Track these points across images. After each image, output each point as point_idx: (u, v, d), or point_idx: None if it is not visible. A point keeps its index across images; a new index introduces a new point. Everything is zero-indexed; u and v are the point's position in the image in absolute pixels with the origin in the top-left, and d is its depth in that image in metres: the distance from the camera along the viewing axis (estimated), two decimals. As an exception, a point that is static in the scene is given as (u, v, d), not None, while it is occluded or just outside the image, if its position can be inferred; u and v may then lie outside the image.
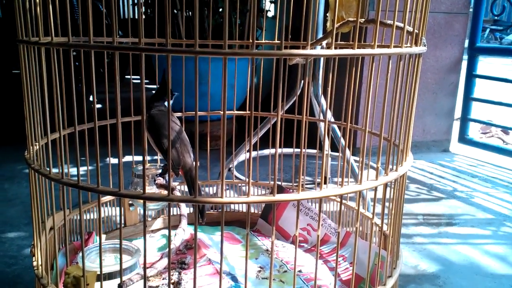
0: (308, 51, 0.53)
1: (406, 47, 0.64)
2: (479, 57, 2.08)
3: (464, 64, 2.05)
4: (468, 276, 1.02)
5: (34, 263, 0.71)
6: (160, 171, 0.92)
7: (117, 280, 0.64)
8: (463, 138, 2.15)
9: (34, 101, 0.66)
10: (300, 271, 0.89)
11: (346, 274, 0.89)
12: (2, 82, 2.91)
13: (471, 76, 2.08)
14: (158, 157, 1.02)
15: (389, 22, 0.67)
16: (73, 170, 1.20)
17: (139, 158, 1.08)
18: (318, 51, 0.73)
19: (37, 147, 0.69)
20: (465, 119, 2.13)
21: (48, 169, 0.64)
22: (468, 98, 2.10)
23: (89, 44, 0.51)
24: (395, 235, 0.75)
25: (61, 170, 0.60)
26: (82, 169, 0.87)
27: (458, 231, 1.25)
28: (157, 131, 0.83)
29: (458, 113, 2.12)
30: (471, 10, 2.00)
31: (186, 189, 1.13)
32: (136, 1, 2.18)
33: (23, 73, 0.66)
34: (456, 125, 2.14)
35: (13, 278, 0.94)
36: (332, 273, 0.89)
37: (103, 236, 0.97)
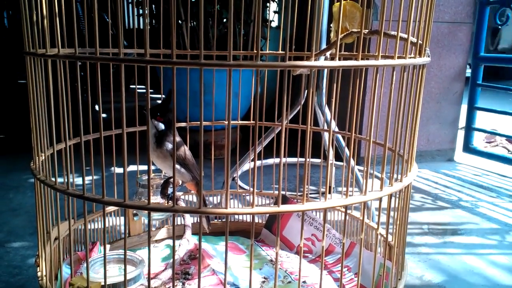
0: (312, 63, 0.53)
1: (410, 58, 0.64)
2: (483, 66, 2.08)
3: (468, 73, 2.05)
4: (474, 286, 1.01)
5: (39, 273, 0.71)
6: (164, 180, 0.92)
7: (122, 291, 0.64)
8: (468, 148, 2.14)
9: (40, 112, 0.67)
10: (304, 281, 0.89)
11: (351, 285, 0.89)
12: (8, 92, 2.94)
13: (475, 85, 2.08)
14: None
15: (392, 33, 0.67)
16: (78, 180, 1.20)
17: (144, 167, 1.08)
18: (322, 62, 0.73)
19: (43, 157, 0.69)
20: (469, 128, 2.13)
21: (53, 179, 0.64)
22: (472, 107, 2.10)
23: (96, 56, 0.52)
24: (400, 246, 0.75)
25: (66, 181, 0.61)
26: (87, 179, 0.87)
27: (463, 241, 1.24)
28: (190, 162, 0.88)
29: (462, 122, 2.12)
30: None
31: (190, 199, 1.13)
32: (141, 12, 2.20)
33: (30, 84, 0.67)
34: (461, 134, 2.14)
35: (18, 288, 0.94)
36: (337, 284, 0.88)
37: (107, 247, 0.97)
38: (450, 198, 1.59)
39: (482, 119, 2.23)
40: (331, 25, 0.87)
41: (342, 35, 0.78)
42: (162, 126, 0.83)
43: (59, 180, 0.64)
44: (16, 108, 2.73)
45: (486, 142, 2.44)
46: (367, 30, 0.73)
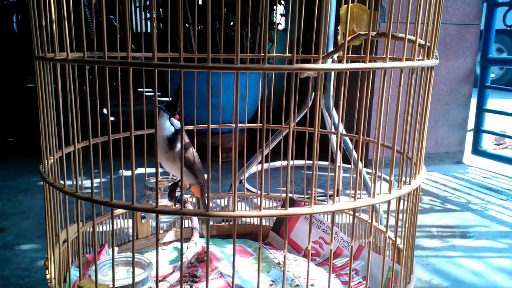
0: (319, 66, 0.53)
1: (418, 60, 0.64)
2: (492, 68, 2.07)
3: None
4: (484, 290, 1.00)
5: (47, 276, 0.72)
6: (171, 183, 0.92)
7: (130, 294, 0.64)
8: (477, 150, 2.12)
9: (49, 115, 0.67)
10: (312, 285, 0.88)
11: (359, 288, 0.88)
12: (17, 96, 2.97)
13: (483, 87, 2.06)
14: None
15: (400, 35, 0.67)
16: (87, 183, 1.21)
17: (152, 170, 1.09)
18: (329, 65, 0.73)
19: (52, 160, 0.69)
20: (478, 131, 2.11)
21: (62, 182, 0.65)
22: (481, 109, 2.08)
23: (104, 60, 0.52)
24: (409, 249, 0.75)
25: (75, 183, 0.61)
26: (96, 181, 0.88)
27: (472, 244, 1.23)
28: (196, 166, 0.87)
29: (471, 124, 2.11)
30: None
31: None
32: (149, 16, 2.21)
33: (39, 88, 0.67)
34: (469, 137, 2.12)
35: (27, 291, 0.95)
36: (345, 287, 0.88)
37: (116, 249, 0.97)
38: (459, 201, 1.57)
39: (491, 121, 2.21)
40: (338, 27, 0.87)
41: (350, 37, 0.77)
42: (179, 124, 0.81)
43: (68, 183, 0.64)
44: (25, 112, 2.76)
45: (495, 144, 2.42)
46: (374, 33, 0.73)
